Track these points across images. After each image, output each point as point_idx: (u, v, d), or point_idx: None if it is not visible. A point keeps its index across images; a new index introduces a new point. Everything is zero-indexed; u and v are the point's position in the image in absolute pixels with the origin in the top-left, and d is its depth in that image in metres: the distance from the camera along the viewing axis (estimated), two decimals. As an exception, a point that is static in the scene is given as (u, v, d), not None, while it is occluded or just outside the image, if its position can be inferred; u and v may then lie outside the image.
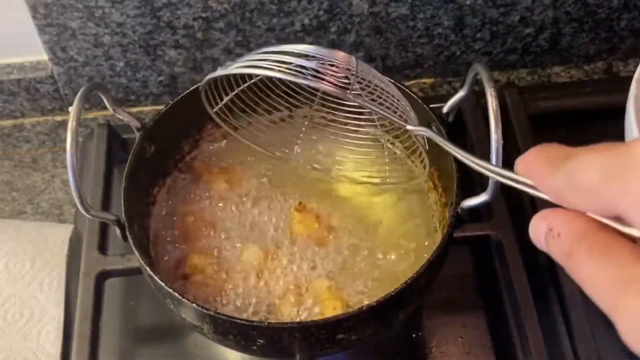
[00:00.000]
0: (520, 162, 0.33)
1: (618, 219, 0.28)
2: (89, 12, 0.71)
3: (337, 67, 0.49)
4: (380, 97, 0.52)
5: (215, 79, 0.56)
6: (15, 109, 0.81)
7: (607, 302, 0.27)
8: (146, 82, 0.79)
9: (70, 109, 0.51)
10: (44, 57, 0.76)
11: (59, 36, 0.73)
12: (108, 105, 0.57)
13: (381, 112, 0.51)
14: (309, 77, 0.48)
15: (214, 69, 0.78)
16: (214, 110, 0.59)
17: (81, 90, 0.52)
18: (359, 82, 0.50)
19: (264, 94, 0.60)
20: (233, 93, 0.58)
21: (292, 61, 0.48)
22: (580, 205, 0.29)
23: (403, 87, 0.60)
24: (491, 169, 0.36)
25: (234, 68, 0.51)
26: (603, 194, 0.27)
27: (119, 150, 0.72)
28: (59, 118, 0.82)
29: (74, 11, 0.70)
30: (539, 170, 0.31)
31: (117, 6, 0.70)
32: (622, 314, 0.27)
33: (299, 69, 0.49)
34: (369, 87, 0.51)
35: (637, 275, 0.27)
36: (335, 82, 0.49)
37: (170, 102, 0.61)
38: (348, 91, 0.49)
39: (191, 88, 0.61)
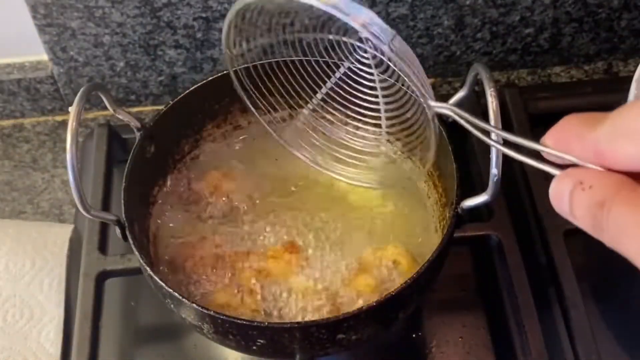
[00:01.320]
0: (550, 133, 0.32)
1: None
2: (89, 12, 0.71)
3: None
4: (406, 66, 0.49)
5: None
6: (15, 109, 0.81)
7: (636, 247, 0.27)
8: (146, 82, 0.79)
9: (70, 109, 0.51)
10: (44, 57, 0.76)
11: (59, 36, 0.73)
12: (108, 105, 0.57)
13: (411, 74, 0.48)
14: (348, 15, 0.45)
15: (214, 69, 0.79)
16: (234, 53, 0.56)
17: (81, 90, 0.52)
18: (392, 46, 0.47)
19: (279, 73, 0.59)
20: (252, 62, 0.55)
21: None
22: (623, 152, 0.28)
23: (403, 87, 0.60)
24: (521, 142, 0.35)
25: None
26: None
27: (119, 150, 0.72)
28: (59, 118, 0.82)
29: (74, 11, 0.70)
30: (576, 130, 0.30)
31: (117, 6, 0.70)
32: None
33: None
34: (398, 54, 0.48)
35: None
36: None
37: (170, 102, 0.61)
38: (387, 46, 0.46)
39: (191, 88, 0.61)
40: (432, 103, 0.49)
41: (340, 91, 0.58)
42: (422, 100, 0.49)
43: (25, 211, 0.75)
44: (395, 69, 0.50)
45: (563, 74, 0.82)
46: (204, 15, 0.72)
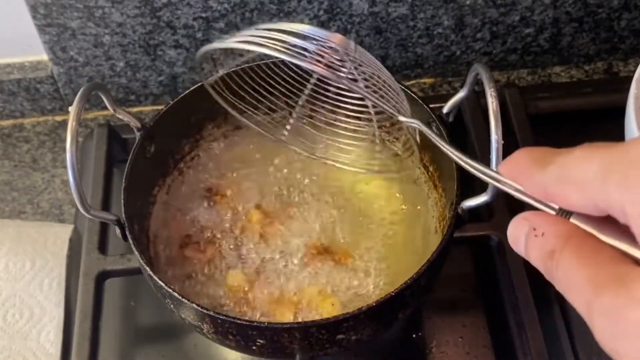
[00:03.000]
0: (505, 163, 0.33)
1: (606, 219, 0.28)
2: (89, 12, 0.71)
3: (334, 49, 0.48)
4: (376, 85, 0.51)
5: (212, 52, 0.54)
6: (15, 109, 0.81)
7: (582, 300, 0.28)
8: (146, 82, 0.79)
9: (70, 109, 0.51)
10: (44, 57, 0.76)
11: (59, 36, 0.73)
12: (108, 105, 0.57)
13: (375, 100, 0.50)
14: (305, 58, 0.47)
15: (214, 69, 0.78)
16: (209, 81, 0.57)
17: (81, 90, 0.52)
18: (356, 68, 0.49)
19: (261, 76, 0.58)
20: (229, 69, 0.57)
21: (289, 40, 0.47)
22: (571, 199, 0.29)
23: (403, 87, 0.60)
24: (481, 170, 0.36)
25: (230, 42, 0.49)
26: (598, 189, 0.27)
27: (119, 150, 0.72)
28: (59, 118, 0.82)
29: (74, 11, 0.70)
30: (525, 168, 0.31)
31: (117, 6, 0.70)
32: (596, 312, 0.27)
33: (295, 49, 0.47)
34: (365, 73, 0.50)
35: (615, 274, 0.27)
36: (331, 66, 0.48)
37: (170, 102, 0.61)
38: (343, 75, 0.48)
39: (191, 88, 0.61)
40: (402, 119, 0.50)
41: (324, 88, 0.58)
42: (393, 115, 0.50)
43: (25, 211, 0.75)
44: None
45: (563, 74, 0.82)
46: (204, 15, 0.72)
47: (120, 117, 0.58)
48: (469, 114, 0.71)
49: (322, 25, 0.74)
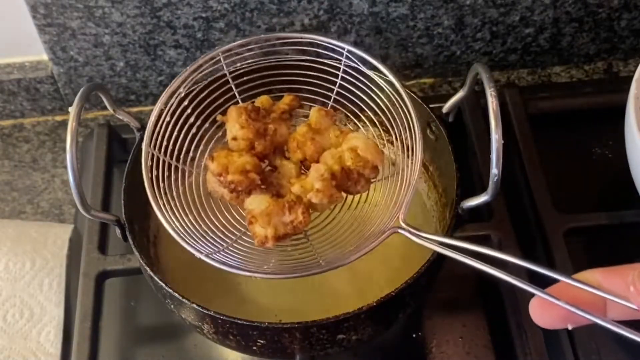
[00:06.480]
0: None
1: None
2: (89, 12, 0.71)
3: None
4: None
5: None
6: (15, 109, 0.81)
7: None
8: (146, 82, 0.79)
9: (70, 109, 0.51)
10: (44, 57, 0.77)
11: (59, 36, 0.73)
12: (108, 106, 0.57)
13: None
14: None
15: (214, 69, 0.78)
16: None
17: (81, 90, 0.52)
18: None
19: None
20: None
21: None
22: None
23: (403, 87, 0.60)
24: None
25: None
26: None
27: (119, 150, 0.72)
28: (59, 118, 0.82)
29: (74, 11, 0.70)
30: None
31: (117, 6, 0.70)
32: None
33: None
34: None
35: None
36: None
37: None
38: None
39: (191, 88, 0.61)
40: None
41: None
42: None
43: (25, 211, 0.75)
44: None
45: (563, 74, 0.82)
46: (204, 15, 0.72)
47: (120, 117, 0.58)
48: (468, 114, 0.71)
49: (322, 25, 0.74)
